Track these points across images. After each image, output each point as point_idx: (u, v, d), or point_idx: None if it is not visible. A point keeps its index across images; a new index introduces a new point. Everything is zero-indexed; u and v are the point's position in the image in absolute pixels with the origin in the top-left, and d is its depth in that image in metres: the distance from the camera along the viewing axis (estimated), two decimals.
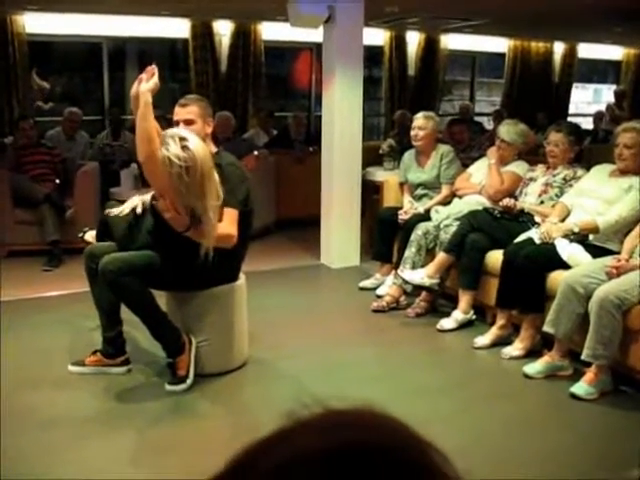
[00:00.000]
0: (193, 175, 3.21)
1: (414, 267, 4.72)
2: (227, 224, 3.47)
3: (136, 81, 3.35)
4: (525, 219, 4.55)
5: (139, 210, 3.62)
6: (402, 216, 5.17)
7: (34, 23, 7.87)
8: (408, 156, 5.50)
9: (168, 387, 3.56)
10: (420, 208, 5.16)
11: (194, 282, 3.63)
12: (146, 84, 3.30)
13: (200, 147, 3.29)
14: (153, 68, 3.35)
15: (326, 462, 0.43)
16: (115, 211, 3.74)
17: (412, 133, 5.35)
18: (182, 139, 3.26)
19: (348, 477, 0.42)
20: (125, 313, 3.71)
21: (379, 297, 5.02)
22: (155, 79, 3.33)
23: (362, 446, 0.45)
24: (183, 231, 3.36)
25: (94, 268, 3.59)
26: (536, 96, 11.09)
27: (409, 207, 5.22)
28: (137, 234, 3.63)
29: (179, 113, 3.72)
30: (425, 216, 4.99)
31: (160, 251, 3.51)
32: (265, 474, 0.43)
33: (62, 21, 7.98)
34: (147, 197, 3.67)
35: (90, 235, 4.22)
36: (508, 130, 4.86)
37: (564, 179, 4.43)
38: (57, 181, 6.47)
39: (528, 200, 4.58)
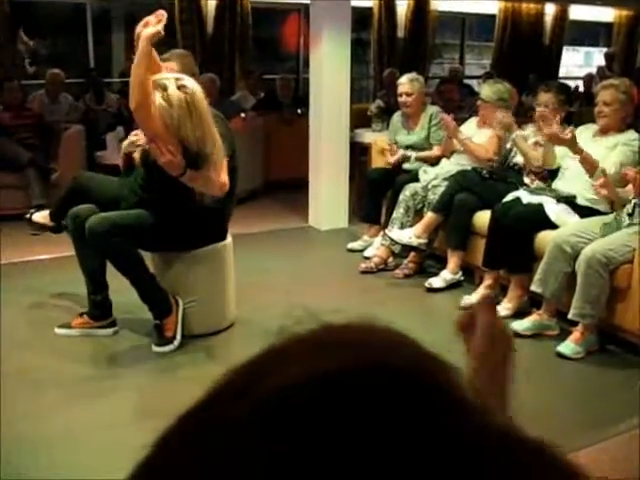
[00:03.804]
0: (198, 109, 3.22)
1: (402, 228, 4.72)
2: (222, 173, 3.42)
3: (141, 22, 3.21)
4: (514, 179, 4.53)
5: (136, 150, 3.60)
6: (391, 159, 5.17)
7: None
8: (397, 118, 5.45)
9: (155, 348, 3.55)
10: (411, 155, 5.14)
11: (181, 242, 3.61)
12: (149, 29, 3.16)
13: (196, 84, 3.29)
14: (162, 13, 3.21)
15: (342, 383, 0.37)
16: (128, 142, 3.72)
17: (400, 100, 5.30)
18: (177, 79, 3.26)
19: (367, 400, 0.37)
20: (111, 276, 3.68)
21: (367, 259, 5.01)
22: (160, 27, 3.19)
23: (381, 366, 0.39)
24: (179, 174, 3.29)
25: (79, 230, 3.56)
26: (527, 59, 11.01)
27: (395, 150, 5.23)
28: (126, 194, 3.60)
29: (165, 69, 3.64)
30: (413, 177, 4.96)
31: (150, 209, 3.48)
32: (265, 399, 0.37)
33: None
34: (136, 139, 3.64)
35: (40, 216, 4.12)
36: (487, 89, 4.82)
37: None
38: (41, 145, 6.39)
39: (518, 159, 4.56)
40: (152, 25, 3.18)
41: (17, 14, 7.96)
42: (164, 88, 3.20)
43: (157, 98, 3.19)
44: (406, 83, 5.24)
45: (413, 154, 5.18)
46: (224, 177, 3.44)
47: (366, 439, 0.36)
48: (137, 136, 3.70)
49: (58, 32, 9.51)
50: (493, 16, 11.23)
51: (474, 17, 11.62)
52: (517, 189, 4.40)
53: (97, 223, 3.38)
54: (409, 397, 0.38)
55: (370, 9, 9.98)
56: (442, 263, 4.67)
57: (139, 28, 3.21)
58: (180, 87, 3.22)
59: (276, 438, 0.36)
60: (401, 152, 5.20)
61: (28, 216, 4.22)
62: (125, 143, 3.85)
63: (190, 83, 3.27)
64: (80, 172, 4.43)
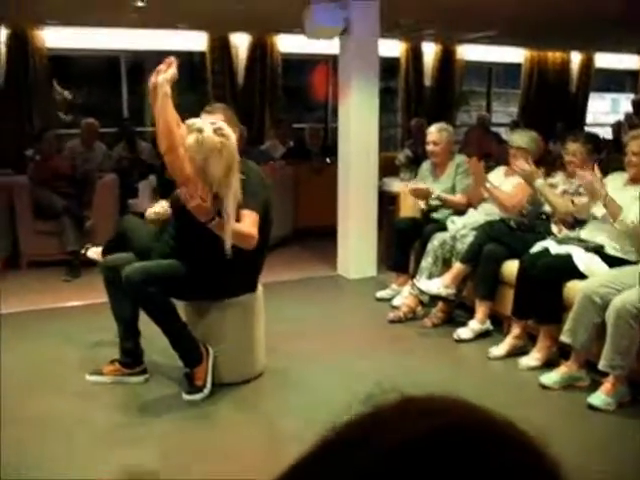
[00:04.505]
0: (229, 155, 3.29)
1: (431, 277, 4.73)
2: (248, 224, 3.45)
3: (154, 72, 3.29)
4: (541, 229, 4.55)
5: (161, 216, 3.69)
6: (413, 187, 5.26)
7: (54, 38, 7.98)
8: (425, 166, 5.52)
9: (186, 396, 3.59)
10: (436, 191, 5.18)
11: (213, 292, 3.66)
12: (164, 75, 3.25)
13: (231, 132, 3.36)
14: (172, 59, 3.30)
15: (435, 445, 0.45)
16: (152, 211, 3.80)
17: (427, 148, 5.37)
18: (213, 123, 3.34)
19: (459, 460, 0.44)
20: (143, 323, 3.74)
21: (395, 307, 5.02)
22: (173, 70, 3.27)
23: (467, 429, 0.46)
24: (207, 221, 3.32)
25: (113, 278, 3.64)
26: (553, 106, 11.07)
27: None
28: (159, 244, 3.67)
29: (205, 119, 3.73)
30: (441, 226, 5.00)
31: (182, 259, 3.54)
32: (379, 456, 0.44)
33: (81, 35, 8.07)
34: (166, 205, 3.74)
35: (94, 252, 4.24)
36: (521, 136, 4.85)
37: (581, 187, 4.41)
38: (76, 193, 6.53)
39: (545, 208, 4.58)
40: (164, 71, 3.27)
41: (55, 66, 8.22)
42: (200, 130, 3.27)
43: (189, 140, 3.25)
44: (434, 132, 5.32)
45: (437, 190, 5.21)
46: (253, 229, 3.47)
47: None
48: (163, 208, 3.80)
49: (93, 83, 9.78)
50: (519, 64, 11.34)
51: (500, 66, 11.73)
52: (545, 239, 4.41)
53: (134, 272, 3.45)
54: (502, 453, 0.45)
55: (397, 59, 10.14)
56: (470, 312, 4.67)
57: (153, 78, 3.29)
58: (216, 130, 3.30)
59: None
60: (425, 185, 5.24)
61: (83, 251, 4.38)
62: (149, 212, 3.93)
63: (226, 129, 3.35)
64: (125, 216, 4.56)
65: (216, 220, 3.32)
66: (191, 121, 3.35)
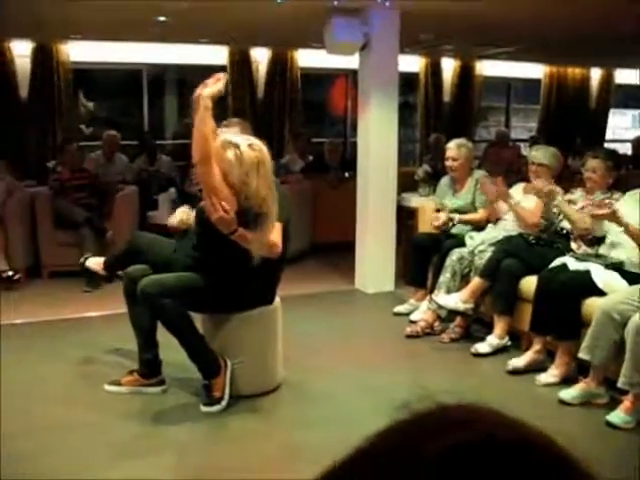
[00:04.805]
0: (266, 169, 3.38)
1: (449, 292, 4.73)
2: (274, 234, 3.51)
3: (201, 84, 3.39)
4: (560, 245, 4.54)
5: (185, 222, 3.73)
6: (436, 222, 5.23)
7: (78, 51, 8.09)
8: (444, 181, 5.53)
9: (203, 408, 3.60)
10: (455, 217, 5.19)
11: (231, 304, 3.68)
12: (209, 89, 3.35)
13: (263, 145, 3.44)
14: (221, 76, 3.41)
15: (481, 454, 0.46)
16: (176, 218, 3.85)
17: (446, 164, 5.38)
18: (247, 139, 3.44)
19: (504, 469, 0.45)
20: (161, 335, 3.77)
21: (413, 322, 5.02)
22: (220, 86, 3.38)
23: (513, 439, 0.48)
24: (230, 233, 3.38)
25: (133, 290, 3.67)
26: (573, 122, 11.04)
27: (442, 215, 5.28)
28: (178, 256, 3.71)
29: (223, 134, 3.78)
30: (460, 242, 5.00)
31: (202, 271, 3.57)
32: (429, 463, 0.45)
33: (104, 49, 8.18)
34: (191, 212, 3.78)
35: (94, 262, 4.28)
36: (544, 153, 4.85)
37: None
38: (96, 204, 6.60)
39: (565, 224, 4.57)
40: (211, 85, 3.37)
41: (78, 79, 8.33)
42: (236, 146, 3.35)
43: (228, 155, 3.34)
44: (453, 148, 5.32)
45: (457, 217, 5.23)
46: (276, 238, 3.52)
47: None
48: (186, 213, 3.84)
49: (115, 96, 9.89)
50: (538, 80, 11.33)
51: (520, 82, 11.73)
52: (564, 255, 4.40)
53: (149, 285, 3.48)
54: (544, 463, 0.48)
55: (417, 74, 10.17)
56: (489, 327, 4.66)
57: (199, 90, 3.38)
58: (250, 145, 3.39)
59: None
60: (445, 216, 5.25)
61: (82, 260, 4.39)
62: (172, 220, 3.97)
63: (260, 144, 3.43)
64: (137, 232, 4.59)
65: (238, 232, 3.36)
66: (227, 136, 3.43)
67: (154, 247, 3.88)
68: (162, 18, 6.47)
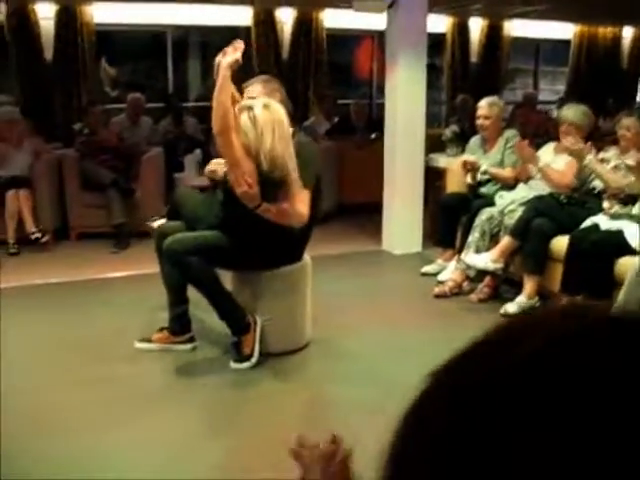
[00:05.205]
0: (281, 129, 3.34)
1: (478, 252, 4.69)
2: (299, 204, 3.47)
3: (220, 53, 3.39)
4: (592, 205, 4.47)
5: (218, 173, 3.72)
6: (463, 157, 5.24)
7: (102, 13, 8.03)
8: (474, 141, 5.45)
9: (233, 365, 3.62)
10: (484, 165, 5.12)
11: (260, 262, 3.68)
12: (228, 58, 3.34)
13: (281, 107, 3.41)
14: (240, 43, 3.39)
15: (609, 330, 0.45)
16: (208, 169, 3.88)
17: (477, 122, 5.30)
18: (264, 101, 3.42)
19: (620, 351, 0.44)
20: (192, 293, 3.78)
21: (441, 282, 4.99)
22: (238, 55, 3.36)
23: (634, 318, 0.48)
24: (254, 207, 3.39)
25: (163, 247, 3.68)
26: (604, 83, 10.82)
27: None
28: (206, 214, 3.70)
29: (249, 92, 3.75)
30: (489, 202, 4.94)
31: (228, 230, 3.56)
32: (538, 349, 0.45)
33: (128, 11, 8.12)
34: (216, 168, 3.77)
35: (159, 223, 4.31)
36: (575, 112, 4.75)
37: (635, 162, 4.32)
38: (122, 167, 6.60)
39: (596, 184, 4.50)
40: (230, 54, 3.35)
41: (102, 41, 8.29)
42: (250, 108, 3.34)
43: (243, 118, 3.32)
44: (485, 107, 5.24)
45: (485, 165, 5.15)
46: (302, 208, 3.48)
47: None
48: (219, 165, 3.82)
49: (139, 59, 9.84)
50: (568, 42, 11.10)
51: (548, 43, 11.50)
52: (595, 214, 4.34)
53: (174, 243, 3.49)
54: None
55: (443, 35, 10.00)
56: (517, 288, 4.62)
57: (219, 58, 3.37)
58: (265, 106, 3.36)
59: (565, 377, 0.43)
60: (475, 158, 5.19)
61: (149, 223, 4.43)
62: (207, 169, 3.96)
63: (276, 105, 3.39)
64: (178, 188, 4.62)
65: (263, 206, 3.35)
66: (244, 102, 3.43)
67: (189, 202, 3.90)
68: None
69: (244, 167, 3.32)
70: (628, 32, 11.35)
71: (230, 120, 3.30)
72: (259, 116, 3.32)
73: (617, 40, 11.32)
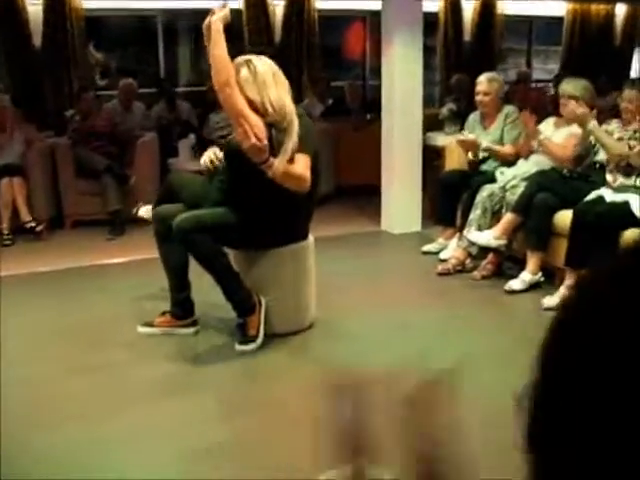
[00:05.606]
0: (280, 79, 3.45)
1: (480, 229, 4.64)
2: (301, 167, 3.42)
3: (209, 14, 3.39)
4: (595, 178, 4.43)
5: (215, 162, 3.69)
6: (459, 136, 5.20)
7: None
8: (473, 117, 5.39)
9: (238, 347, 3.57)
10: (484, 142, 5.06)
11: (264, 240, 3.63)
12: (219, 13, 3.35)
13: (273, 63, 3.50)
14: (225, 3, 3.41)
15: None
16: (205, 158, 3.83)
17: (477, 98, 5.23)
18: (258, 55, 3.51)
19: None
20: (193, 276, 3.73)
21: (443, 261, 4.95)
22: (226, 11, 3.38)
23: None
24: (262, 161, 3.32)
25: (163, 229, 3.62)
26: (596, 60, 10.76)
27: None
28: (209, 192, 3.65)
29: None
30: (490, 178, 4.89)
31: (234, 205, 3.51)
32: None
33: None
34: (219, 152, 3.72)
35: (144, 210, 4.26)
36: (575, 86, 4.69)
37: (637, 133, 4.28)
38: (116, 153, 6.52)
39: (600, 157, 4.45)
40: (217, 13, 3.36)
41: (92, 27, 8.18)
42: (248, 61, 3.40)
43: (242, 72, 3.36)
44: (484, 82, 5.18)
45: (484, 142, 5.09)
46: (304, 170, 3.43)
47: None
48: (215, 154, 3.77)
49: (130, 44, 9.72)
50: (560, 19, 11.03)
51: (541, 20, 11.42)
52: (598, 188, 4.30)
53: (184, 220, 3.42)
54: None
55: (436, 14, 9.91)
56: (520, 264, 4.59)
57: (207, 20, 3.38)
58: (261, 59, 3.46)
59: None
60: (472, 136, 5.13)
61: (135, 210, 4.44)
62: (203, 159, 3.90)
63: (269, 59, 3.49)
64: (172, 172, 4.56)
65: (270, 161, 3.29)
66: (237, 59, 3.43)
67: (187, 185, 3.84)
68: None
69: (251, 121, 3.29)
70: (621, 9, 11.29)
71: (230, 71, 3.31)
72: (259, 66, 3.38)
73: (610, 17, 11.26)
